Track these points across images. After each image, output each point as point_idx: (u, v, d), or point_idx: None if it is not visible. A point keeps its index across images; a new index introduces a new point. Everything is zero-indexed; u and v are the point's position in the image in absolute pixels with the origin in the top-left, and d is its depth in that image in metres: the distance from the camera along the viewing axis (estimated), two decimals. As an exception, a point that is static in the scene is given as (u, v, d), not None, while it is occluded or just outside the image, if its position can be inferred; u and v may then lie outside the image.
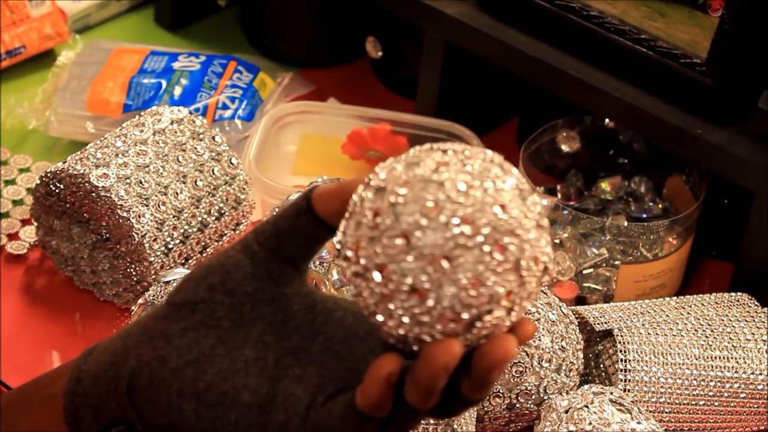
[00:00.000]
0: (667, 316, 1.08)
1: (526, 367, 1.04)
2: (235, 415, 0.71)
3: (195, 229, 1.15)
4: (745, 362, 1.06)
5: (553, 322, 1.05)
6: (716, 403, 1.06)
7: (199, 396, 0.72)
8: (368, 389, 0.67)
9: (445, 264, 0.64)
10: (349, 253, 0.67)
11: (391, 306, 0.65)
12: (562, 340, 1.05)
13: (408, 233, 0.65)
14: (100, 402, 0.75)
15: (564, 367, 1.05)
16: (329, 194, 0.70)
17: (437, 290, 0.64)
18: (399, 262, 0.65)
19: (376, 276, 0.66)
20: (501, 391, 1.04)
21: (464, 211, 0.64)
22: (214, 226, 1.17)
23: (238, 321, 0.72)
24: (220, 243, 1.19)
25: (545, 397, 1.04)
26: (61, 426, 0.76)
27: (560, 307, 1.07)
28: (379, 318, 0.67)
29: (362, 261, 0.66)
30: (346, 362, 0.71)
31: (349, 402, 0.69)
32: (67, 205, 1.14)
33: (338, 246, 0.68)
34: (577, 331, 1.07)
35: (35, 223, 1.17)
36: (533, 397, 1.04)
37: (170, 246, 1.13)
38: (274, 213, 0.74)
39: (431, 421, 0.96)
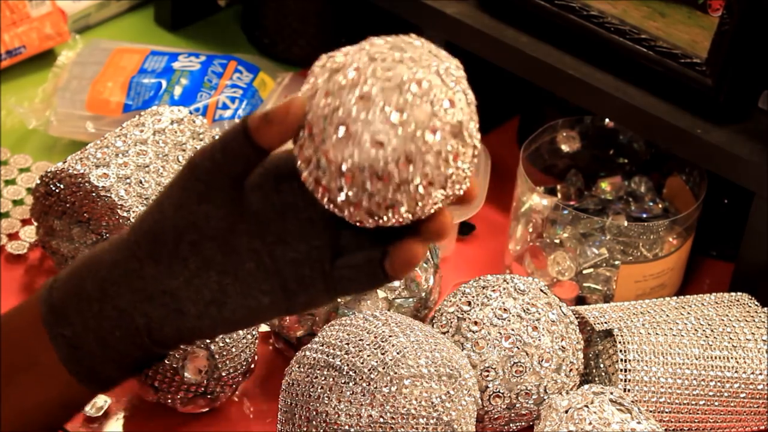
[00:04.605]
0: (667, 316, 1.08)
1: (526, 367, 1.04)
2: (263, 316, 0.80)
3: (195, 229, 1.15)
4: (745, 362, 1.06)
5: (553, 322, 1.05)
6: (716, 403, 1.06)
7: (229, 321, 0.79)
8: (401, 267, 0.78)
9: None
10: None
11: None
12: (562, 340, 1.05)
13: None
14: (120, 356, 0.80)
15: (564, 367, 1.05)
16: (271, 129, 0.77)
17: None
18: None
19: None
20: (501, 391, 1.04)
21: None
22: (214, 226, 1.17)
23: (227, 250, 0.78)
24: (220, 243, 1.19)
25: (545, 397, 1.04)
26: (71, 389, 0.80)
27: (560, 307, 1.07)
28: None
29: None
30: (322, 230, 0.79)
31: (372, 269, 0.79)
32: (67, 205, 1.14)
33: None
34: (577, 331, 1.07)
35: (35, 223, 1.17)
36: (533, 397, 1.04)
37: (170, 246, 1.13)
38: (213, 158, 0.78)
39: (431, 421, 0.96)
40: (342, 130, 0.75)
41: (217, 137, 0.79)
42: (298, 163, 0.77)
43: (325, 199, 0.77)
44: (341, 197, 0.76)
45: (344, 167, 0.75)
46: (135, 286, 0.79)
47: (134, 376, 0.83)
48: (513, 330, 1.04)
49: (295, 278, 0.79)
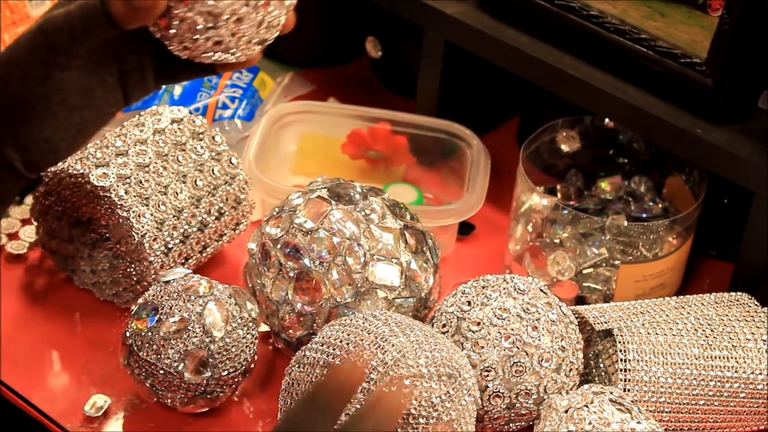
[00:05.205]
0: (667, 315, 1.08)
1: (526, 367, 1.04)
2: (110, 118, 0.89)
3: (195, 229, 1.15)
4: (744, 362, 1.06)
5: (553, 322, 1.05)
6: (716, 403, 1.06)
7: (89, 137, 0.88)
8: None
9: None
10: None
11: None
12: (562, 340, 1.05)
13: None
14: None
15: (564, 367, 1.05)
16: (138, 17, 0.84)
17: None
18: None
19: None
20: (501, 390, 1.04)
21: None
22: (214, 225, 1.17)
23: (87, 94, 0.86)
24: (220, 243, 1.19)
25: (545, 397, 1.04)
26: None
27: (560, 307, 1.07)
28: None
29: None
30: (140, 52, 0.88)
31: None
32: (67, 205, 1.14)
33: None
34: (577, 331, 1.07)
35: (35, 223, 1.17)
36: (533, 396, 1.04)
37: (170, 246, 1.13)
38: (73, 37, 0.85)
39: (431, 421, 0.96)
40: None
41: (71, 12, 0.84)
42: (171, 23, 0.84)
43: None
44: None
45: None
46: (7, 143, 0.85)
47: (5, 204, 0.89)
48: (513, 330, 1.04)
49: (127, 85, 0.88)
